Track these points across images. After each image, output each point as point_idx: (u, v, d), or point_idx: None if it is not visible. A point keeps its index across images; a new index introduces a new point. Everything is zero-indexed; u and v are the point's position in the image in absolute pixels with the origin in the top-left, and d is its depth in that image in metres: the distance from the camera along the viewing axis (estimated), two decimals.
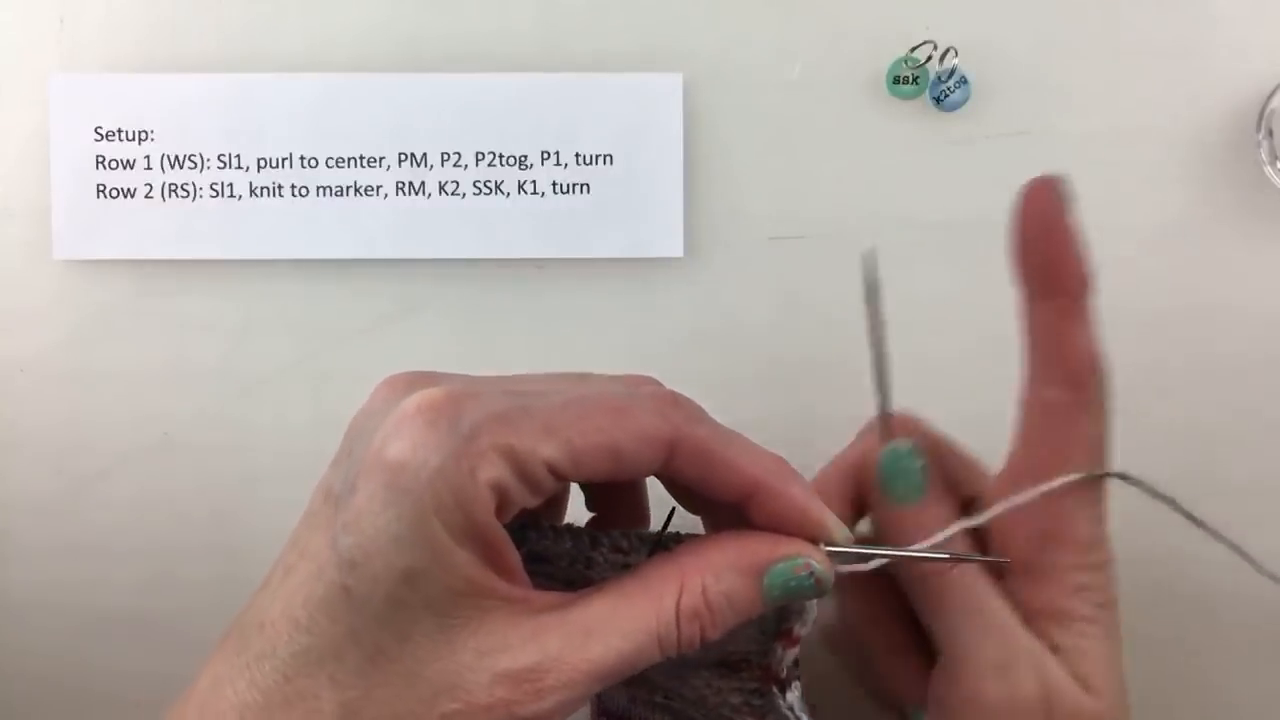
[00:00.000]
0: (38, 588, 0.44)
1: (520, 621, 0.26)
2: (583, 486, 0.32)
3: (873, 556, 0.29)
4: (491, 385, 0.27)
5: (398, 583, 0.25)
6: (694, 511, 0.31)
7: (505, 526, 0.26)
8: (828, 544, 0.28)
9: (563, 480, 0.26)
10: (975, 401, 0.43)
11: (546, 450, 0.25)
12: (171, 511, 0.44)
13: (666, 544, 0.29)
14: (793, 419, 0.43)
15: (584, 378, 0.29)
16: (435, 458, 0.24)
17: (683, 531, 0.30)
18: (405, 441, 0.25)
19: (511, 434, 0.25)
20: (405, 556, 0.24)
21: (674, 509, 0.30)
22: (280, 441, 0.44)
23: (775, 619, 0.29)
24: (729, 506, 0.28)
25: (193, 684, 0.27)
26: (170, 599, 0.44)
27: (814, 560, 0.27)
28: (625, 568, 0.29)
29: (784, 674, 0.30)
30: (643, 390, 0.28)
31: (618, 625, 0.26)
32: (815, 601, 0.29)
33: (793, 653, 0.30)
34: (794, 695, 0.30)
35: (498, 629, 0.25)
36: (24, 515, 0.44)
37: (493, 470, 0.25)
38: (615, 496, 0.32)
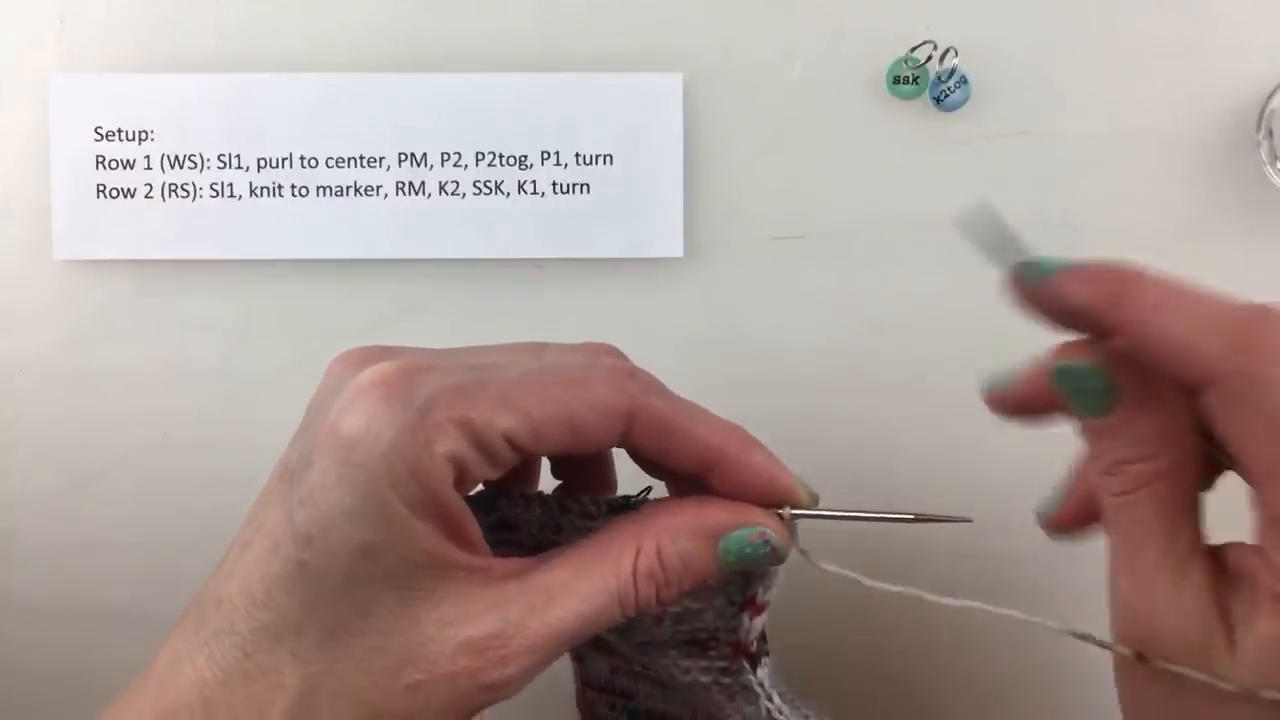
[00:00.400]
0: (39, 586, 0.44)
1: (482, 590, 0.26)
2: (550, 457, 0.32)
3: (836, 519, 0.29)
4: (447, 358, 0.27)
5: (355, 557, 0.25)
6: (660, 479, 0.31)
7: (475, 496, 0.26)
8: (793, 508, 0.28)
9: (521, 452, 0.26)
10: (975, 401, 0.43)
11: (504, 422, 0.25)
12: (171, 510, 0.44)
13: (633, 506, 0.29)
14: (793, 419, 0.43)
15: (541, 348, 0.28)
16: (389, 431, 0.24)
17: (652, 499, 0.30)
18: (359, 416, 0.24)
19: (468, 406, 0.25)
20: (361, 531, 0.24)
21: (649, 487, 0.30)
22: (280, 441, 0.43)
23: (740, 588, 0.29)
24: (692, 477, 0.28)
25: (150, 663, 0.27)
26: (170, 597, 0.44)
27: (769, 529, 0.27)
28: (589, 533, 0.29)
29: (753, 647, 0.29)
30: (601, 362, 0.28)
31: (577, 589, 0.26)
32: (780, 569, 0.29)
33: (759, 622, 0.29)
34: (764, 671, 0.30)
35: (459, 599, 0.25)
36: (25, 514, 0.44)
37: (449, 443, 0.25)
38: (582, 466, 0.32)
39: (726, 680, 0.30)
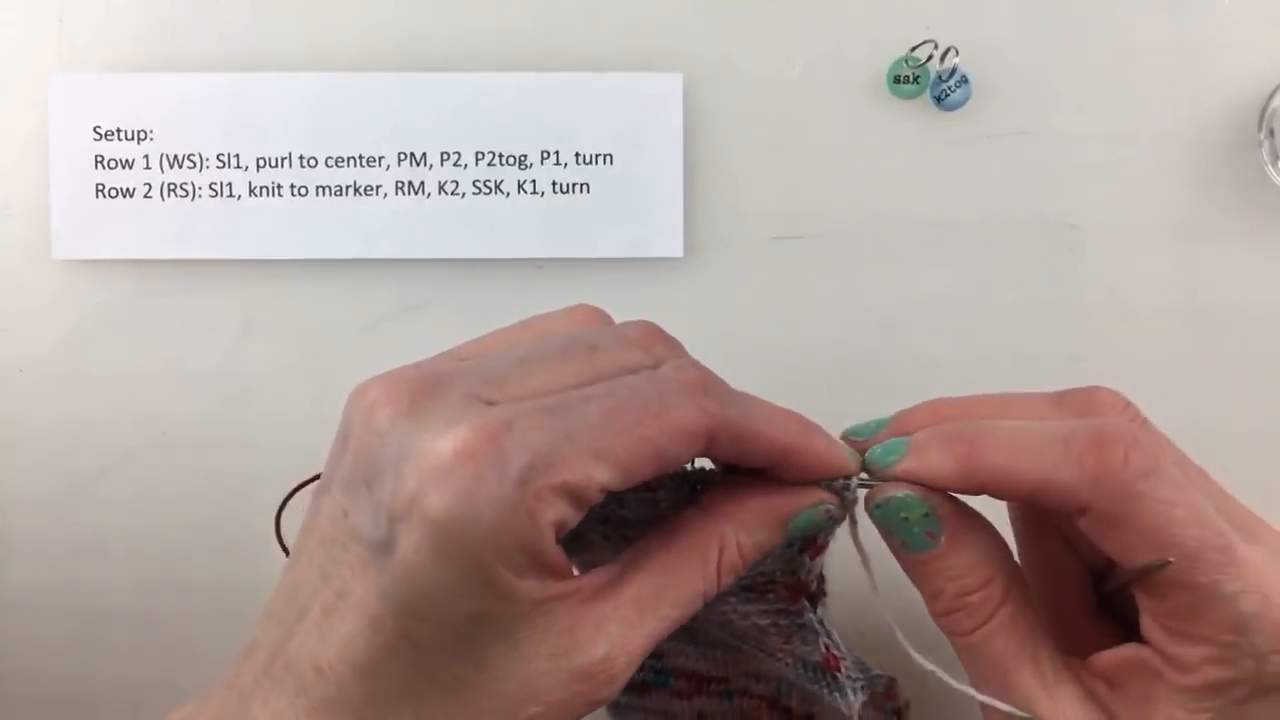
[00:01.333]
0: (38, 587, 0.44)
1: (581, 616, 0.26)
2: None
3: (886, 481, 0.30)
4: (512, 390, 0.26)
5: (467, 624, 0.25)
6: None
7: None
8: (847, 477, 0.30)
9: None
10: None
11: (600, 476, 0.25)
12: (171, 511, 0.44)
13: (693, 479, 0.30)
14: None
15: (591, 347, 0.28)
16: (490, 511, 0.24)
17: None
18: (450, 494, 0.24)
19: (563, 469, 0.24)
20: (471, 603, 0.25)
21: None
22: (280, 441, 0.44)
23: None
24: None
25: (238, 711, 0.27)
26: (170, 599, 0.44)
27: (831, 504, 0.29)
28: (654, 504, 0.29)
29: (813, 586, 0.31)
30: (666, 376, 0.27)
31: (668, 595, 0.27)
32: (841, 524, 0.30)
33: (819, 562, 0.31)
34: (822, 610, 0.31)
35: (564, 630, 0.26)
36: (24, 515, 0.44)
37: (553, 512, 0.25)
38: None
39: (784, 622, 0.31)
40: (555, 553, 0.25)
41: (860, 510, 0.30)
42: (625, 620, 0.26)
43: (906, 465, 0.29)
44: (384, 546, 0.25)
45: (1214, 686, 0.27)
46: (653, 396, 0.26)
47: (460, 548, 0.24)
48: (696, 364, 0.29)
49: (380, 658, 0.25)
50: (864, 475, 0.30)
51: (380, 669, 0.25)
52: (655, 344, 0.29)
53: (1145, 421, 0.30)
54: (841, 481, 0.29)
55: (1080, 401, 0.30)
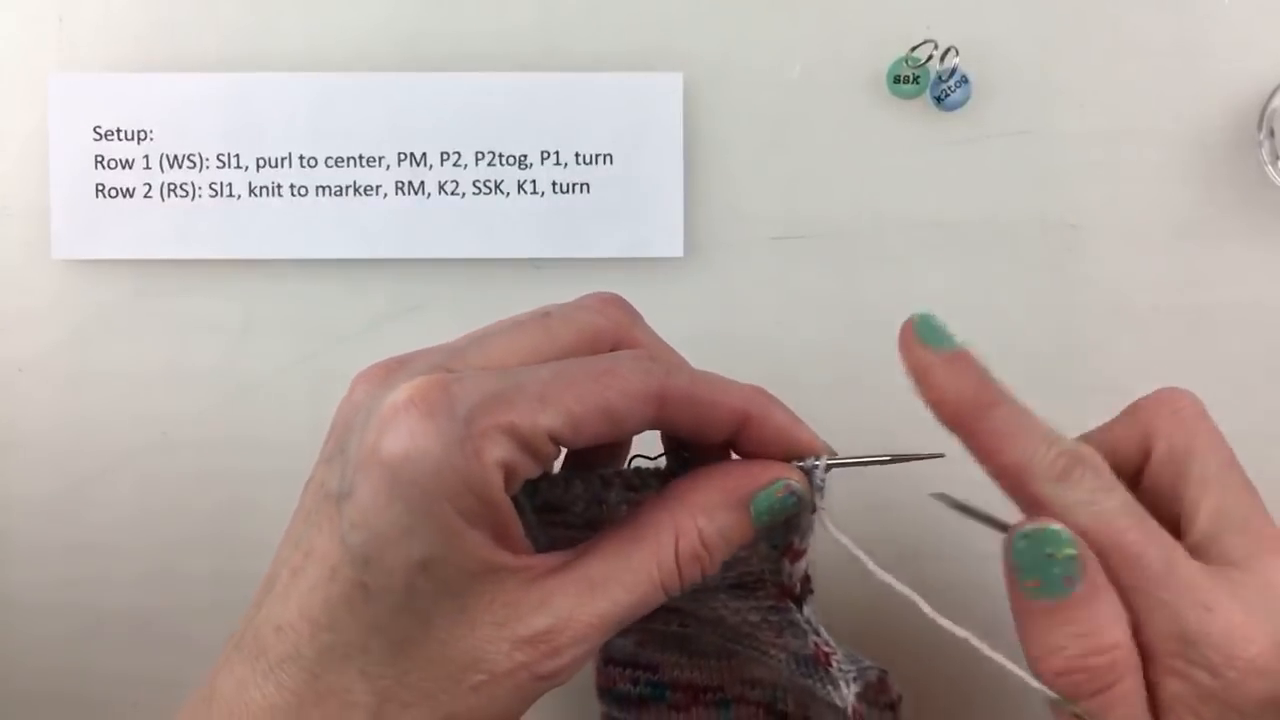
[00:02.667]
0: (38, 587, 0.44)
1: (529, 589, 0.27)
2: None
3: (859, 464, 0.30)
4: (467, 356, 0.27)
5: (414, 573, 0.25)
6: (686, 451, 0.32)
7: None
8: (815, 458, 0.29)
9: (563, 446, 0.27)
10: None
11: (546, 420, 0.26)
12: (171, 511, 0.44)
13: (675, 476, 0.30)
14: None
15: (545, 316, 0.29)
16: (436, 446, 0.25)
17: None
18: (402, 433, 0.25)
19: (509, 411, 0.25)
20: (419, 547, 0.25)
21: (672, 450, 0.31)
22: (280, 441, 0.44)
23: (780, 535, 0.30)
24: (721, 445, 0.29)
25: (207, 692, 0.28)
26: (170, 598, 0.44)
27: (792, 480, 0.29)
28: (639, 504, 0.30)
29: (797, 589, 0.31)
30: (618, 352, 0.29)
31: (619, 579, 0.27)
32: (813, 516, 0.30)
33: (800, 566, 0.31)
34: (809, 609, 0.31)
35: (510, 599, 0.26)
36: (24, 515, 0.44)
37: (498, 450, 0.25)
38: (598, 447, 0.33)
39: (775, 618, 0.31)
40: (507, 508, 0.26)
41: (829, 499, 0.29)
42: (573, 597, 0.27)
43: (938, 361, 0.29)
44: (344, 495, 0.26)
45: (1181, 704, 0.27)
46: (603, 361, 0.27)
47: (409, 484, 0.25)
48: (656, 341, 0.30)
49: (335, 609, 0.26)
50: (830, 458, 0.30)
51: (335, 622, 0.26)
52: (609, 308, 0.30)
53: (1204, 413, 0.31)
54: (810, 462, 0.29)
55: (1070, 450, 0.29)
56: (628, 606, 0.27)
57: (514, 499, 0.27)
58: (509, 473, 0.26)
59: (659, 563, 0.27)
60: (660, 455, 0.31)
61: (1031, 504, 0.28)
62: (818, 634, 0.31)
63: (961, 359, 0.29)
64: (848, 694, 0.31)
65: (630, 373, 0.27)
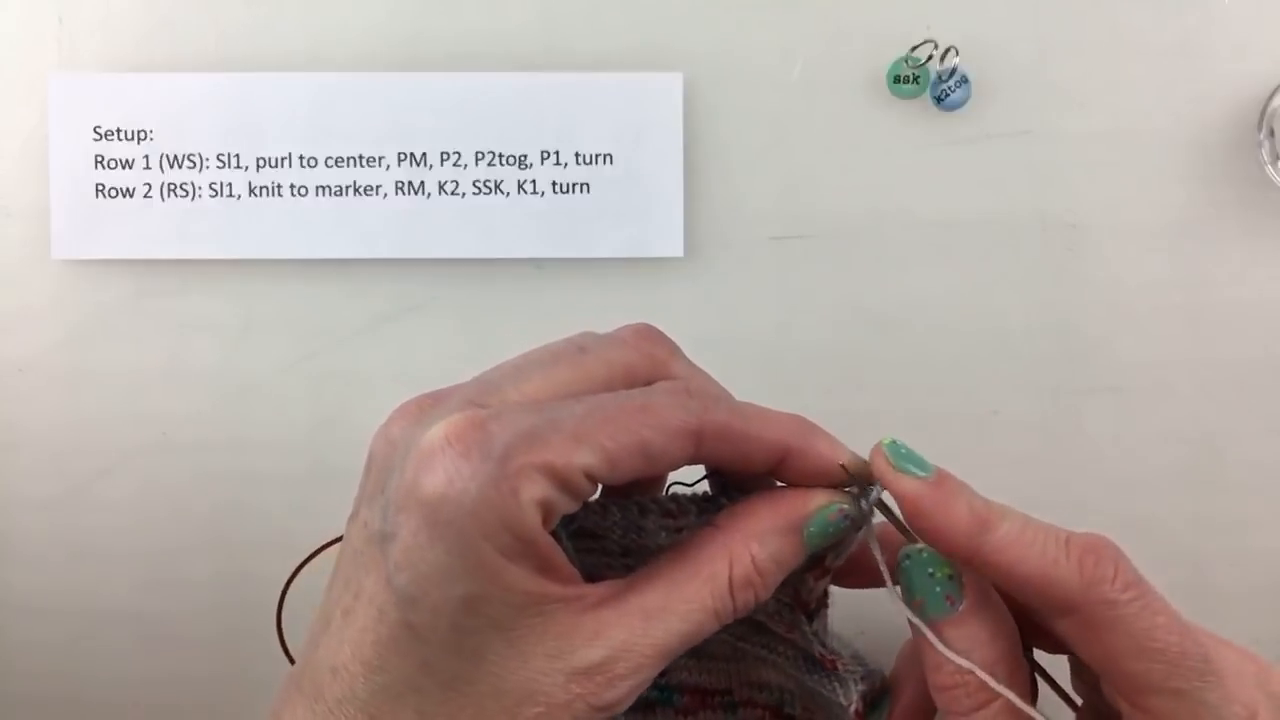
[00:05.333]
0: (37, 587, 0.44)
1: (582, 621, 0.26)
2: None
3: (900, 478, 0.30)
4: (506, 395, 0.27)
5: (459, 611, 0.25)
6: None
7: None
8: (869, 483, 0.29)
9: (599, 483, 0.27)
10: (975, 401, 0.43)
11: (582, 458, 0.25)
12: (171, 511, 0.44)
13: (715, 502, 0.30)
14: None
15: (580, 347, 0.29)
16: (473, 486, 0.25)
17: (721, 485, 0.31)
18: (439, 474, 0.25)
19: (545, 450, 0.25)
20: (461, 585, 0.25)
21: (710, 475, 0.31)
22: (280, 441, 0.44)
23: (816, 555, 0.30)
24: (764, 475, 0.29)
25: None
26: (170, 598, 0.44)
27: (844, 504, 0.29)
28: (677, 531, 0.30)
29: (812, 604, 0.31)
30: (654, 387, 0.28)
31: (674, 608, 0.27)
32: (850, 540, 0.30)
33: (822, 584, 0.31)
34: (819, 623, 0.31)
35: (562, 631, 0.26)
36: (24, 515, 0.44)
37: (534, 489, 0.25)
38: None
39: (789, 615, 0.31)
40: (547, 542, 0.26)
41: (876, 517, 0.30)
42: (628, 628, 0.26)
43: (926, 489, 0.28)
44: (388, 536, 0.26)
45: None
46: (639, 396, 0.27)
47: (448, 525, 0.25)
48: (694, 372, 0.29)
49: (385, 651, 0.26)
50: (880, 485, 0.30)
51: (385, 663, 0.26)
52: (645, 342, 0.29)
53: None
54: (870, 491, 0.29)
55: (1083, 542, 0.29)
56: (683, 635, 0.27)
57: (552, 531, 0.27)
58: (546, 511, 0.25)
59: (713, 591, 0.27)
60: (698, 481, 0.31)
61: (1067, 609, 0.28)
62: (823, 645, 0.31)
63: (945, 483, 0.29)
64: (854, 693, 0.31)
65: (667, 409, 0.27)
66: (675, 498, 0.30)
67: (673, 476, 0.32)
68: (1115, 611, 0.27)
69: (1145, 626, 0.27)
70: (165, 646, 0.44)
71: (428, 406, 0.27)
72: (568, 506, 0.26)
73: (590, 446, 0.26)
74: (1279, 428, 0.43)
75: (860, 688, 0.31)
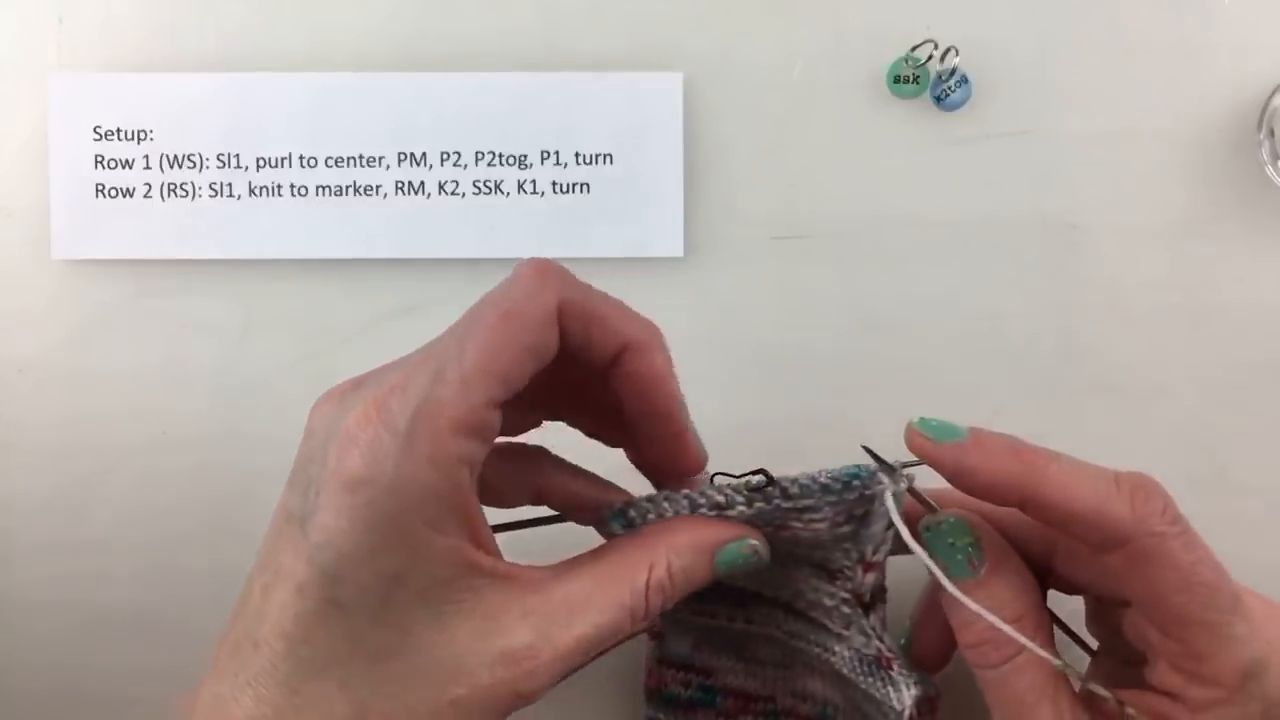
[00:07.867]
0: (38, 585, 0.44)
1: (507, 602, 0.27)
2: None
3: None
4: (401, 366, 0.28)
5: (389, 585, 0.26)
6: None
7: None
8: (905, 465, 0.31)
9: (503, 400, 0.27)
10: (975, 401, 0.43)
11: (477, 396, 0.26)
12: (171, 510, 0.44)
13: (763, 491, 0.31)
14: (793, 419, 0.43)
15: (480, 304, 0.29)
16: (389, 463, 0.25)
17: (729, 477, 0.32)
18: (355, 457, 0.26)
19: (443, 407, 0.26)
20: (389, 561, 0.26)
21: (760, 469, 0.32)
22: (279, 441, 0.43)
23: (855, 545, 0.31)
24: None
25: (187, 709, 0.28)
26: (170, 597, 0.44)
27: (756, 542, 0.31)
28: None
29: (867, 596, 0.32)
30: (515, 272, 0.29)
31: (595, 602, 0.28)
32: (890, 531, 0.31)
33: (871, 578, 0.32)
34: (876, 618, 0.32)
35: (490, 611, 0.27)
36: (24, 515, 0.44)
37: (450, 448, 0.26)
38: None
39: (846, 610, 0.32)
40: (475, 507, 0.27)
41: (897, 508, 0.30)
42: (552, 617, 0.27)
43: (966, 451, 0.29)
44: (308, 516, 0.26)
45: None
46: (501, 296, 0.28)
47: (369, 503, 0.25)
48: (549, 261, 0.30)
49: (308, 625, 0.26)
50: (910, 474, 0.31)
51: (309, 636, 0.26)
52: (541, 272, 0.30)
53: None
54: (899, 476, 0.30)
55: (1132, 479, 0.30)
56: (601, 629, 0.28)
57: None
58: (470, 461, 0.26)
59: (632, 590, 0.28)
60: (747, 475, 0.32)
61: (1118, 542, 0.29)
62: (880, 640, 0.32)
63: (984, 438, 0.30)
64: (907, 697, 0.31)
65: (528, 298, 0.28)
66: (725, 489, 0.31)
67: (716, 467, 0.33)
68: (1164, 544, 0.28)
69: (1190, 560, 0.28)
70: (165, 643, 0.44)
71: (348, 392, 0.28)
72: (485, 445, 0.27)
73: (478, 380, 0.26)
74: (1279, 428, 0.43)
75: (914, 692, 0.31)
